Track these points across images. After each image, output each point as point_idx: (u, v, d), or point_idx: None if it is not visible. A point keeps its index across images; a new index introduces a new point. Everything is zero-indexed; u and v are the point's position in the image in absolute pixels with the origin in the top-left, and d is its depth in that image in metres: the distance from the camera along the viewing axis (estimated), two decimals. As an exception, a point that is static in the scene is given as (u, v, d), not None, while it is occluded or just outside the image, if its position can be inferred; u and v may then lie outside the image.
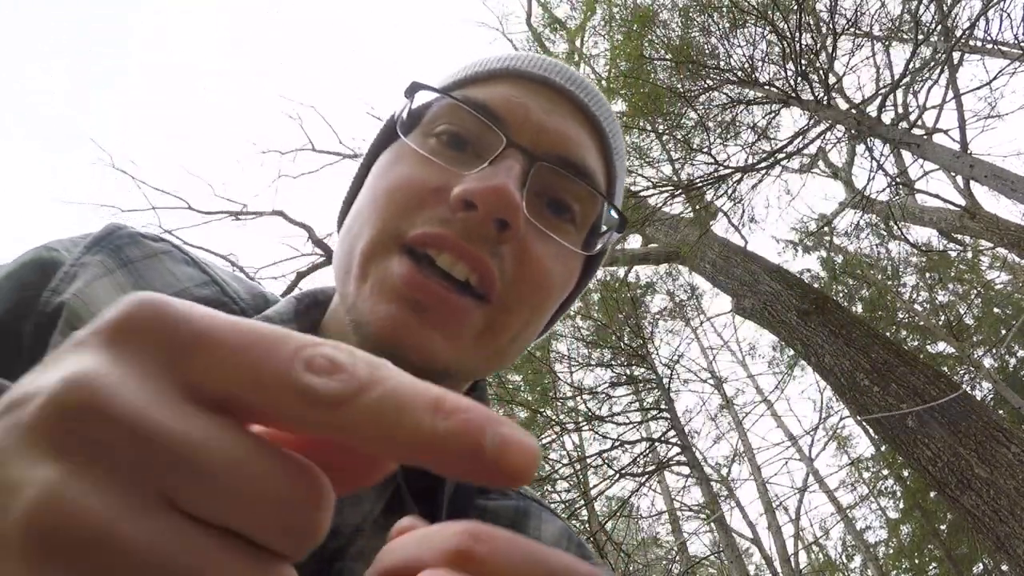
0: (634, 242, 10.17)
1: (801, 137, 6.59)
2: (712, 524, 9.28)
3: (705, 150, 6.99)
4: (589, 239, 0.58)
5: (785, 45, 5.83)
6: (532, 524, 0.60)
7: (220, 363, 0.19)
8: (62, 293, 0.48)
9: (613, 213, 0.58)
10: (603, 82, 8.89)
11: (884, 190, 6.58)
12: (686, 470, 9.41)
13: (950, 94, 5.54)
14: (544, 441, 9.14)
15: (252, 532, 0.18)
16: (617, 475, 8.27)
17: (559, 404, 9.08)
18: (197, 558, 0.17)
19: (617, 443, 8.82)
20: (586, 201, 0.55)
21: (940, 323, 11.86)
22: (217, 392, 0.19)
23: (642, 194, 7.55)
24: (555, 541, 0.61)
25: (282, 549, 0.18)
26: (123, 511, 0.16)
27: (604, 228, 0.59)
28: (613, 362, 9.70)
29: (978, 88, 7.18)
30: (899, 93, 5.90)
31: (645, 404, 9.79)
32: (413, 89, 0.56)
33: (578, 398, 9.06)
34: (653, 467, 9.35)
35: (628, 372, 9.56)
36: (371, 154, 0.59)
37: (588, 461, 8.68)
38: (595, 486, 8.89)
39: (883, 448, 11.35)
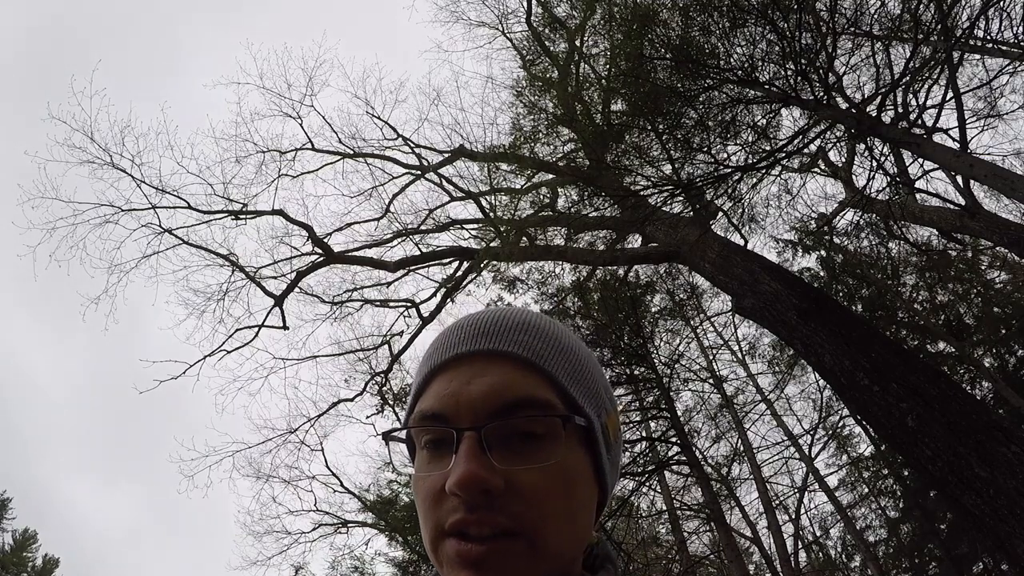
0: (634, 242, 10.17)
1: (801, 136, 6.59)
2: (712, 523, 9.28)
3: (705, 149, 6.99)
4: (572, 438, 0.70)
5: (785, 44, 5.83)
6: None
7: None
8: None
9: (578, 416, 0.70)
10: (603, 81, 8.89)
11: (884, 189, 6.58)
12: (686, 469, 9.42)
13: (950, 93, 5.54)
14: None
15: None
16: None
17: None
18: None
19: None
20: (541, 420, 0.67)
21: (940, 322, 11.86)
22: None
23: (642, 193, 7.55)
24: None
25: None
26: None
27: (580, 421, 0.70)
28: (613, 361, 9.71)
29: (978, 87, 7.19)
30: (899, 92, 5.89)
31: (645, 403, 9.80)
32: (386, 438, 0.77)
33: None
34: (653, 466, 9.36)
35: (628, 371, 9.56)
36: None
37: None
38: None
39: (883, 447, 11.35)
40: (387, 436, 0.76)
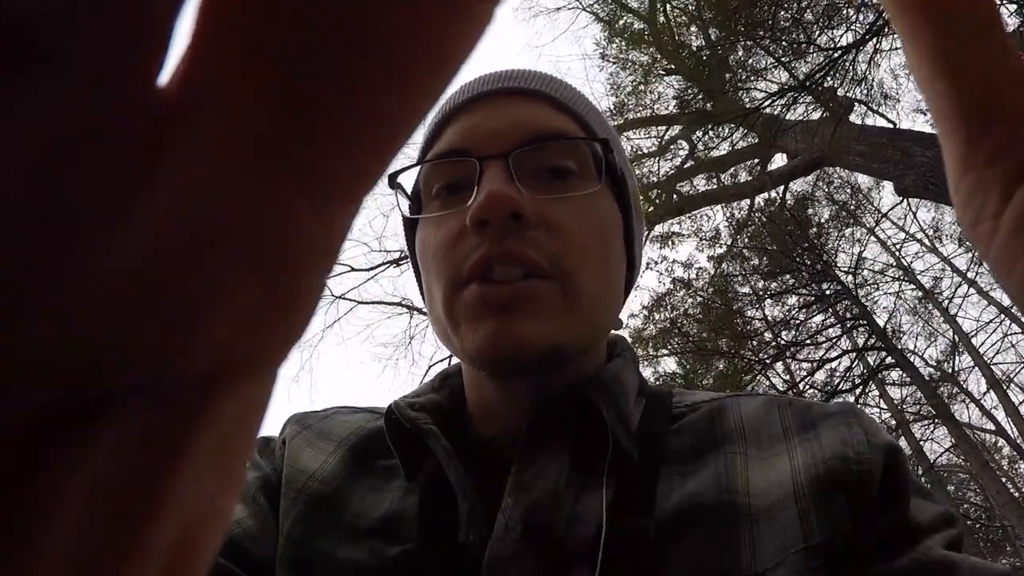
0: (778, 161, 9.88)
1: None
2: (940, 421, 8.69)
3: (811, 42, 6.78)
4: (600, 174, 0.61)
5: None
6: (730, 415, 0.60)
7: None
8: (280, 458, 0.65)
9: (597, 144, 0.61)
10: (691, 11, 8.82)
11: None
12: (899, 374, 8.88)
13: None
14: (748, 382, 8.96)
15: None
16: (828, 395, 8.06)
17: (754, 344, 8.98)
18: None
19: (818, 364, 8.63)
20: (573, 152, 0.59)
21: None
22: None
23: (764, 107, 7.42)
24: (761, 414, 0.59)
25: None
26: None
27: (604, 156, 0.61)
28: (796, 285, 9.49)
29: None
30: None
31: (842, 317, 9.38)
32: (392, 182, 0.62)
33: (769, 332, 8.94)
34: (865, 376, 8.92)
35: (815, 291, 9.27)
36: (409, 241, 0.67)
37: (800, 387, 8.46)
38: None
39: None
40: (394, 178, 0.62)
